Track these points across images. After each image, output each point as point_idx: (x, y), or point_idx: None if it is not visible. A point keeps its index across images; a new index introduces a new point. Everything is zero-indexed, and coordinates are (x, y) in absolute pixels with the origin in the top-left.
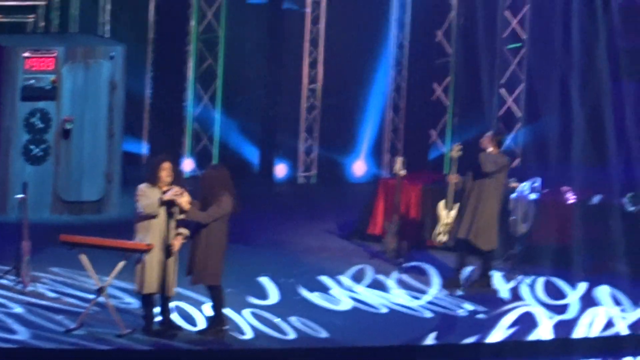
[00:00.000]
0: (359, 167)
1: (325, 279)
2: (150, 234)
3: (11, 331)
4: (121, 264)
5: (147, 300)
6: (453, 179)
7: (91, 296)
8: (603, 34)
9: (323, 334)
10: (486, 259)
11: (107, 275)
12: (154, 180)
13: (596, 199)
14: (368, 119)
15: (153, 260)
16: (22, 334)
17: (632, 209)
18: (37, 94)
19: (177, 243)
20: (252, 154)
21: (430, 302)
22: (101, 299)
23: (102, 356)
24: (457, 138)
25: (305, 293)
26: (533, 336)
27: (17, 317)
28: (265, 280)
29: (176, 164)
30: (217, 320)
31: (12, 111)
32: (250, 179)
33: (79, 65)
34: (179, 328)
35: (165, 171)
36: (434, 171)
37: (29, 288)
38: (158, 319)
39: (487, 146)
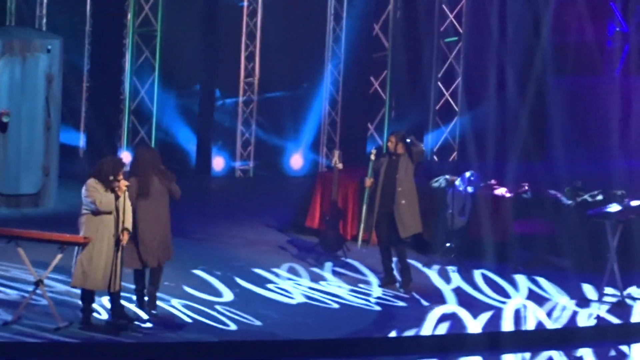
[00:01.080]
0: (297, 161)
1: (262, 272)
2: (101, 229)
3: None
4: (59, 257)
5: (88, 294)
6: (368, 182)
7: (29, 289)
8: (539, 28)
9: (260, 326)
10: (403, 250)
11: (45, 268)
12: (105, 179)
13: (532, 192)
14: (305, 113)
15: (101, 255)
16: None
17: (569, 202)
18: None
19: (126, 237)
20: (190, 147)
21: (366, 295)
22: (39, 292)
23: (40, 349)
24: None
25: (243, 285)
26: (469, 329)
27: None
28: (201, 273)
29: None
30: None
31: None
32: (188, 172)
33: (16, 59)
34: (131, 320)
35: (121, 174)
36: None
37: None
38: (98, 314)
39: (396, 148)
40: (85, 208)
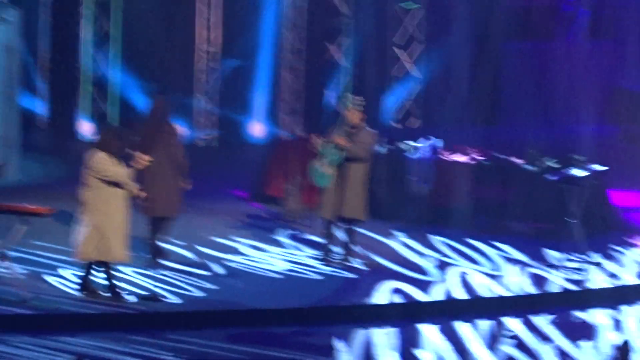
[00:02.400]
0: (258, 129)
1: (223, 241)
2: (114, 201)
3: None
4: (22, 228)
5: (103, 266)
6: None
7: None
8: None
9: (224, 294)
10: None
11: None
12: (109, 149)
13: (493, 158)
14: (265, 81)
15: (120, 227)
16: None
17: (530, 168)
18: None
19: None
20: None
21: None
22: (3, 264)
23: (7, 320)
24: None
25: (206, 254)
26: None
27: None
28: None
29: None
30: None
31: None
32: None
33: None
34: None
35: (120, 141)
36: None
37: None
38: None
39: (354, 120)
40: (96, 179)
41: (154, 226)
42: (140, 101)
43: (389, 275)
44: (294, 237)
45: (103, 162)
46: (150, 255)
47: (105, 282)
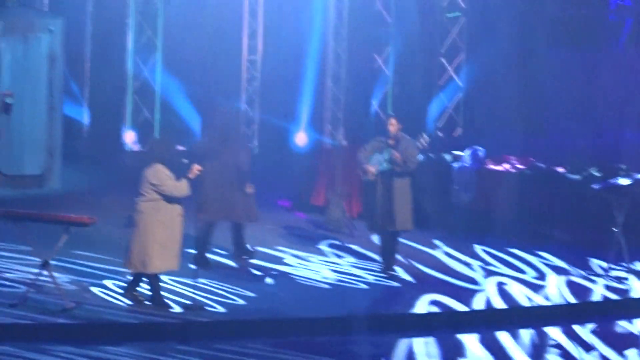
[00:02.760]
0: (301, 138)
1: (267, 250)
2: (170, 212)
3: None
4: (64, 238)
5: (156, 276)
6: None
7: (35, 270)
8: (540, 1)
9: (267, 303)
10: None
11: (51, 249)
12: (163, 159)
13: (537, 167)
14: (309, 90)
15: (175, 237)
16: None
17: (574, 176)
18: None
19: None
20: (194, 124)
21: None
22: (45, 273)
23: (48, 330)
24: (397, 108)
25: (249, 264)
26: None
27: None
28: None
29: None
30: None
31: None
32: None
33: (17, 39)
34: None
35: (174, 150)
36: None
37: None
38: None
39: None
40: (153, 192)
41: (206, 235)
42: (185, 110)
43: (433, 284)
44: (336, 246)
45: (160, 176)
46: (197, 264)
47: (149, 292)
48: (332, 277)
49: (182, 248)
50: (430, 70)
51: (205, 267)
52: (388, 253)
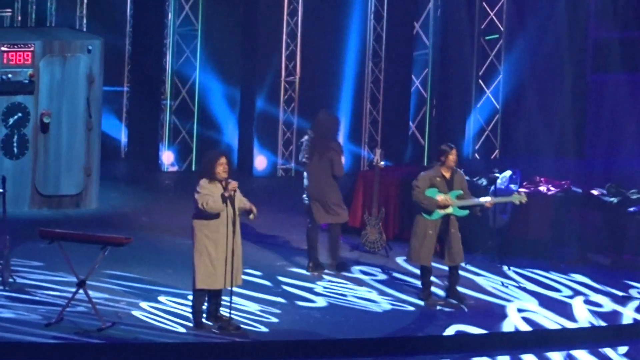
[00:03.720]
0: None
1: (304, 272)
2: (220, 230)
3: None
4: (101, 257)
5: (203, 295)
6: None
7: (71, 290)
8: (579, 24)
9: (302, 324)
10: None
11: (87, 268)
12: (211, 175)
13: (574, 190)
14: (346, 111)
15: (222, 254)
16: (1, 328)
17: (611, 200)
18: (15, 88)
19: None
20: (232, 145)
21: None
22: (81, 293)
23: (83, 350)
24: (434, 130)
25: (285, 285)
26: (510, 327)
27: None
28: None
29: (230, 159)
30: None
31: None
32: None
33: (56, 59)
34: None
35: (221, 166)
36: (413, 164)
37: (9, 282)
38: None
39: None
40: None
41: (313, 239)
42: (228, 130)
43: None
44: (372, 268)
45: (199, 191)
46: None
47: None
48: (366, 297)
49: (236, 266)
50: (467, 92)
51: (318, 270)
52: (453, 285)
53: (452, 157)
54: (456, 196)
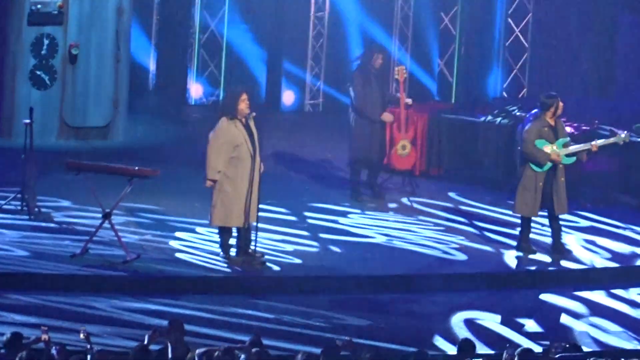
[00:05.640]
0: None
1: (330, 207)
2: (239, 168)
3: (17, 255)
4: (127, 189)
5: (227, 232)
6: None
7: (97, 221)
8: None
9: (326, 259)
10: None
11: (113, 200)
12: (233, 113)
13: (598, 130)
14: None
15: (242, 193)
16: (27, 259)
17: (637, 139)
18: (44, 19)
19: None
20: (260, 81)
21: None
22: (107, 224)
23: (109, 281)
24: (462, 67)
25: (311, 220)
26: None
27: (21, 242)
28: (269, 207)
29: (253, 95)
30: None
31: (18, 36)
32: (257, 106)
33: None
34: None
35: (244, 102)
36: (441, 101)
37: (35, 212)
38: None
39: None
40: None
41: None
42: (256, 65)
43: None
44: (398, 204)
45: (216, 131)
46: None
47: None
48: (390, 234)
49: (254, 205)
50: (497, 31)
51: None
52: (559, 238)
53: (562, 104)
54: (563, 144)
